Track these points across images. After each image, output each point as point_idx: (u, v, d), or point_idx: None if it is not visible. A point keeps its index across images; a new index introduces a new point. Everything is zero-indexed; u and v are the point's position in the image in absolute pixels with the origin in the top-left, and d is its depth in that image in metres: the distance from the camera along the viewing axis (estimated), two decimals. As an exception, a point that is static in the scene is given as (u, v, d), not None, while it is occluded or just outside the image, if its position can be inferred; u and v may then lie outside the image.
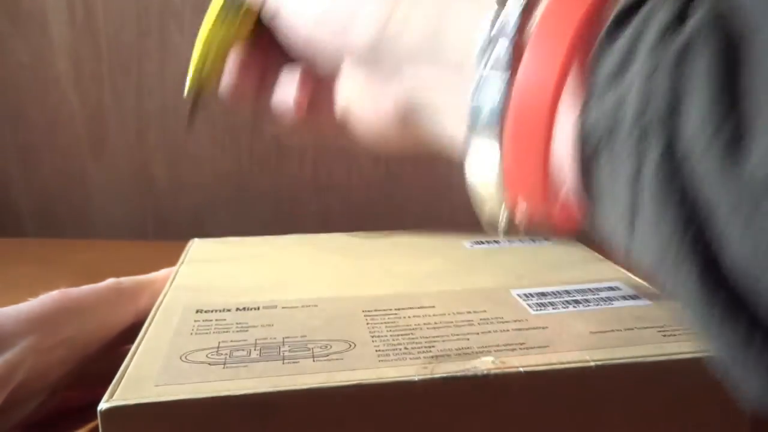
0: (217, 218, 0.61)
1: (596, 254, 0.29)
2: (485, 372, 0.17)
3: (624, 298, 0.23)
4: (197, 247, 0.31)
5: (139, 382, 0.17)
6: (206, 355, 0.19)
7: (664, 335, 0.20)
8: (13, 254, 0.50)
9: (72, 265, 0.47)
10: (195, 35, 0.57)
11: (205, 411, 0.16)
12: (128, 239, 0.59)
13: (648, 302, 0.23)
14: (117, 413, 0.16)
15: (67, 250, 0.52)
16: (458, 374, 0.17)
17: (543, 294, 0.24)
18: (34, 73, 0.56)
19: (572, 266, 0.27)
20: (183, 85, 0.58)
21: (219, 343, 0.19)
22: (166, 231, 0.60)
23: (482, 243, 0.31)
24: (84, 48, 0.56)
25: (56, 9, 0.55)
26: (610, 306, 0.22)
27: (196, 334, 0.20)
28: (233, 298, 0.23)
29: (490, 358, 0.18)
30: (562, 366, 0.18)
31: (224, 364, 0.18)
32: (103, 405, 0.16)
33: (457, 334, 0.20)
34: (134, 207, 0.60)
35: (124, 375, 0.17)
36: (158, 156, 0.59)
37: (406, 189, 0.60)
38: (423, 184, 0.60)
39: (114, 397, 0.16)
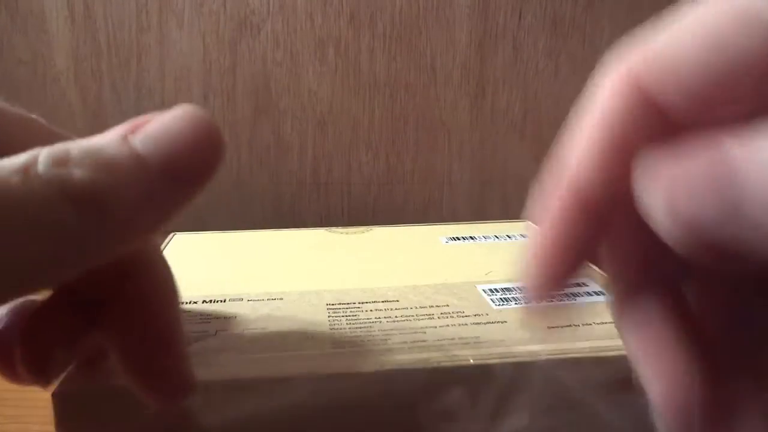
0: (216, 215, 0.61)
1: None
2: (435, 365, 0.18)
3: (589, 294, 0.23)
4: (176, 241, 0.31)
5: (95, 368, 0.17)
6: None
7: None
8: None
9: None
10: (194, 31, 0.57)
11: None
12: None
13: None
14: (72, 397, 0.16)
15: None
16: (408, 367, 0.17)
17: (508, 289, 0.24)
18: (34, 70, 0.56)
19: None
20: (183, 81, 0.58)
21: None
22: (166, 227, 0.60)
23: (457, 239, 0.31)
24: (83, 45, 0.56)
25: (56, 6, 0.55)
26: (572, 302, 0.22)
27: None
28: (202, 290, 0.23)
29: (441, 352, 0.18)
30: (513, 359, 0.18)
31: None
32: (58, 390, 0.16)
33: (415, 328, 0.20)
34: (134, 204, 0.60)
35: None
36: (158, 153, 0.59)
37: (406, 185, 0.61)
38: (423, 180, 0.61)
39: (69, 382, 0.17)
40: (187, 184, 0.13)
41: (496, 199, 0.61)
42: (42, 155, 0.11)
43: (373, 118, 0.59)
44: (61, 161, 0.11)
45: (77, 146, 0.12)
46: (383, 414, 0.18)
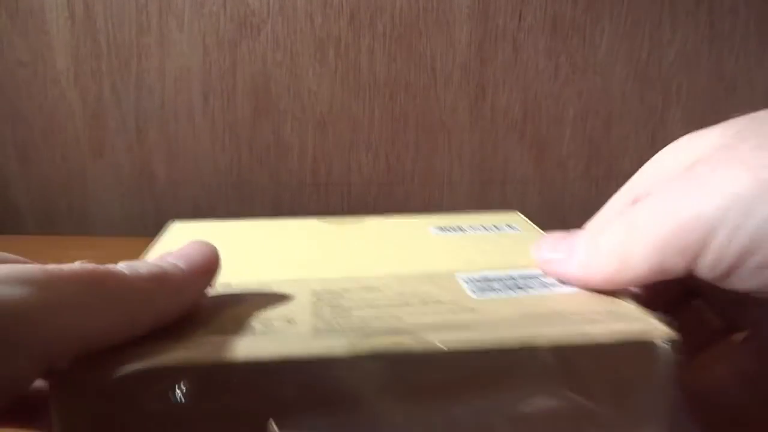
0: (216, 215, 0.61)
1: None
2: (407, 349, 0.18)
3: (563, 284, 0.24)
4: (172, 229, 0.31)
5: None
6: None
7: (589, 320, 0.20)
8: (13, 251, 0.50)
9: (72, 262, 0.47)
10: (194, 32, 0.57)
11: (139, 380, 0.17)
12: (128, 236, 0.59)
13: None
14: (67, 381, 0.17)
15: (66, 247, 0.52)
16: (380, 350, 0.18)
17: (487, 279, 0.24)
18: (34, 71, 0.56)
19: (527, 254, 0.27)
20: (183, 82, 0.58)
21: None
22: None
23: (446, 230, 0.31)
24: (83, 46, 0.56)
25: (56, 7, 0.55)
26: (549, 291, 0.23)
27: None
28: None
29: (413, 336, 0.19)
30: (481, 345, 0.19)
31: (166, 338, 0.19)
32: (57, 374, 0.17)
33: (393, 315, 0.20)
34: (134, 204, 0.61)
35: None
36: (158, 153, 0.59)
37: (406, 185, 0.61)
38: (423, 181, 0.61)
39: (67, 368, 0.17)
40: (203, 279, 0.21)
41: (496, 199, 0.61)
42: (141, 264, 0.19)
43: (373, 119, 0.59)
44: (134, 267, 0.19)
45: (143, 264, 0.19)
46: (356, 397, 0.18)
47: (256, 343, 0.18)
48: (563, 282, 0.23)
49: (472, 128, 0.59)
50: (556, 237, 0.24)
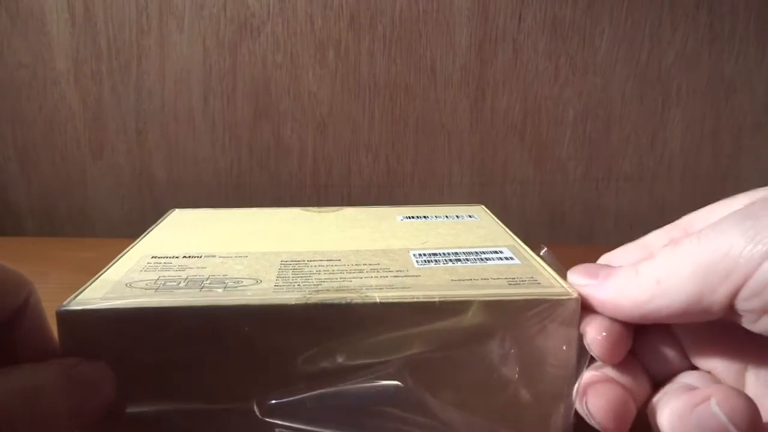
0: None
1: (508, 232, 0.31)
2: (348, 301, 0.22)
3: (500, 258, 0.27)
4: (174, 215, 0.35)
5: (90, 297, 0.23)
6: (145, 284, 0.24)
7: (510, 284, 0.23)
8: (13, 252, 0.50)
9: (71, 263, 0.47)
10: (194, 34, 0.57)
11: (131, 317, 0.21)
12: (127, 238, 0.59)
13: (518, 262, 0.26)
14: (69, 316, 0.21)
15: (66, 249, 0.52)
16: (326, 302, 0.22)
17: (434, 254, 0.27)
18: (34, 73, 0.56)
19: (477, 237, 0.30)
20: (183, 83, 0.58)
21: (159, 277, 0.24)
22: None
23: (411, 218, 0.34)
24: (83, 47, 0.56)
25: (56, 8, 0.55)
26: (483, 264, 0.26)
27: (144, 271, 0.25)
28: (183, 249, 0.28)
29: (357, 293, 0.22)
30: (411, 300, 0.22)
31: (156, 290, 0.23)
32: (60, 309, 0.21)
33: (344, 278, 0.24)
34: (134, 206, 0.61)
35: (82, 292, 0.23)
36: (158, 155, 0.59)
37: (406, 187, 0.61)
38: (423, 183, 0.61)
39: (69, 305, 0.22)
40: (91, 406, 0.20)
41: (496, 200, 0.61)
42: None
43: (373, 121, 0.59)
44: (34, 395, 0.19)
45: (47, 377, 0.19)
46: (308, 340, 0.22)
47: (226, 294, 0.22)
48: (596, 310, 0.23)
49: (472, 130, 0.59)
50: (596, 265, 0.24)
